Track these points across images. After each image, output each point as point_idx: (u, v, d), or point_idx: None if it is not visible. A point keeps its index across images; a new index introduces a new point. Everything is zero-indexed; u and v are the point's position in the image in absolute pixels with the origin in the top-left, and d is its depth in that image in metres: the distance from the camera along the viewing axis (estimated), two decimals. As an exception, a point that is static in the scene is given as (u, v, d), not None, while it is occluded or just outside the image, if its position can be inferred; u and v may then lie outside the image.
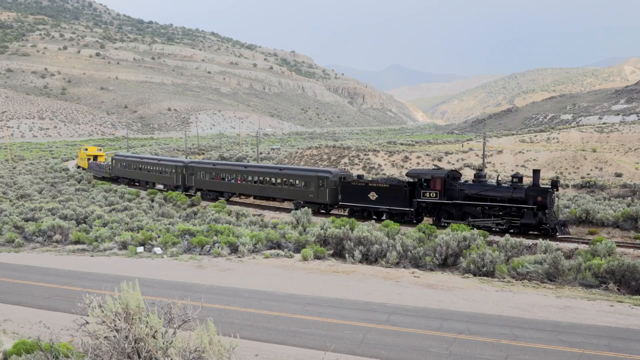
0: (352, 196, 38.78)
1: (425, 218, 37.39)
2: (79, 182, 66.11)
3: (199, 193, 50.67)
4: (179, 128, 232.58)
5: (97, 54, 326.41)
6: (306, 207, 38.86)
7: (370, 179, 46.42)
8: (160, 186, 57.19)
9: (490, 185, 34.45)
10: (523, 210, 32.12)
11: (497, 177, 40.99)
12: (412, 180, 37.49)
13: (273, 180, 44.96)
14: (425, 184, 35.62)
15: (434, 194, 35.29)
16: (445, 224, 34.15)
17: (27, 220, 39.38)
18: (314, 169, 45.35)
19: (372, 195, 37.60)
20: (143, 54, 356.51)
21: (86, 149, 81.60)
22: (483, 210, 33.80)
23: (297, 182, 42.93)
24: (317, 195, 41.20)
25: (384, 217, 37.58)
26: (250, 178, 46.76)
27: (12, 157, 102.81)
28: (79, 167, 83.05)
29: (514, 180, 33.73)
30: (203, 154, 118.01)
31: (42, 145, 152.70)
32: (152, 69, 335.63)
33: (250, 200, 49.25)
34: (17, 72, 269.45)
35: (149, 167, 58.93)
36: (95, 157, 77.53)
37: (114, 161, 65.41)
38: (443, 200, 35.04)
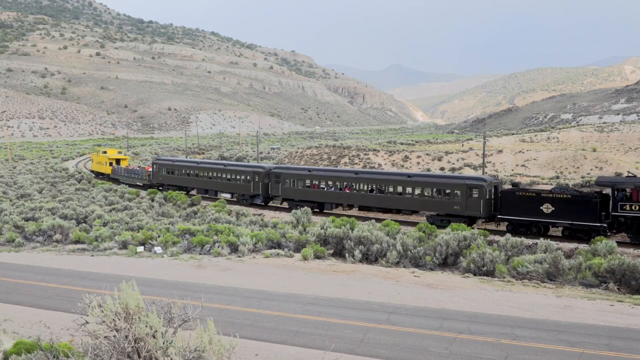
0: (516, 208, 32.98)
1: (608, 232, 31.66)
2: (79, 182, 66.10)
3: (284, 204, 44.93)
4: (179, 128, 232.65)
5: (97, 54, 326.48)
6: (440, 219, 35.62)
7: (539, 188, 39.16)
8: (226, 195, 49.68)
9: None
10: None
11: None
12: (600, 191, 32.44)
13: (399, 188, 38.12)
14: (626, 194, 30.01)
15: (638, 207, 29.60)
16: None
17: (27, 219, 39.39)
18: (461, 176, 39.07)
19: (546, 208, 32.07)
20: (143, 54, 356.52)
21: (105, 152, 71.19)
22: None
23: (435, 191, 36.29)
24: (466, 207, 34.84)
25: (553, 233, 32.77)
26: (364, 186, 39.83)
27: (12, 157, 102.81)
28: (94, 172, 72.76)
29: None
30: (203, 153, 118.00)
31: (42, 144, 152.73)
32: (152, 68, 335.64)
33: (354, 211, 42.29)
34: (17, 72, 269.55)
35: (211, 174, 50.65)
36: (118, 161, 67.66)
37: (155, 166, 57.15)
38: None
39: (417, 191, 37.18)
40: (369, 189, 39.82)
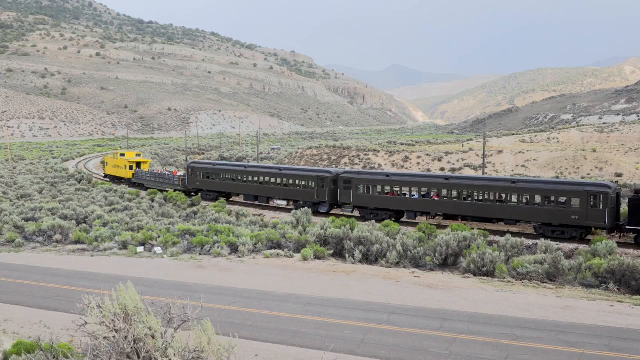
0: None
1: None
2: (79, 182, 66.11)
3: (350, 211, 40.98)
4: (179, 128, 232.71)
5: (98, 54, 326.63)
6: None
7: None
8: (281, 203, 45.24)
9: None
10: None
11: None
12: None
13: (501, 196, 34.46)
14: None
15: None
16: None
17: (27, 220, 39.39)
18: (578, 182, 34.74)
19: None
20: (143, 54, 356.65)
21: (123, 155, 65.70)
22: None
23: (546, 199, 32.90)
24: (587, 217, 31.27)
25: None
26: (457, 193, 36.11)
27: (12, 157, 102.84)
28: (110, 177, 67.99)
29: None
30: (203, 153, 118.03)
31: (42, 145, 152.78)
32: (152, 69, 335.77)
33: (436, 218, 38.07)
34: (17, 72, 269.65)
35: (262, 179, 46.14)
36: (139, 164, 62.75)
37: (191, 170, 52.18)
38: None
39: (524, 199, 33.42)
40: (463, 196, 35.56)
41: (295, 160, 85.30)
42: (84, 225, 37.39)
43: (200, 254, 28.46)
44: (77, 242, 33.12)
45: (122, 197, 52.30)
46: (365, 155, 79.78)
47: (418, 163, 74.83)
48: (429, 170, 69.55)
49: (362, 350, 14.14)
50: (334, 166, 75.84)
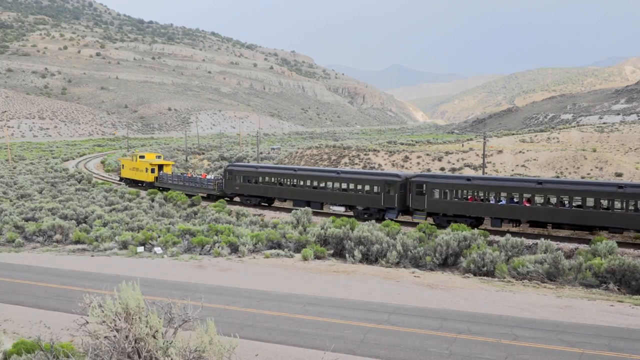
0: None
1: None
2: (79, 182, 66.11)
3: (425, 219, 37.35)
4: (179, 128, 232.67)
5: (98, 54, 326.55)
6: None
7: None
8: (339, 209, 41.45)
9: None
10: None
11: None
12: None
13: (606, 202, 31.67)
14: None
15: None
16: None
17: (27, 220, 39.41)
18: None
19: None
20: (143, 54, 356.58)
21: (142, 157, 62.01)
22: None
23: None
24: None
25: None
26: (552, 200, 33.28)
27: (12, 157, 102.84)
28: (126, 180, 64.08)
29: None
30: (203, 153, 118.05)
31: (42, 145, 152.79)
32: (152, 68, 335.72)
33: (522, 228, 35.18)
34: (17, 72, 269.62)
35: (316, 183, 43.19)
36: (161, 167, 59.56)
37: (228, 173, 48.98)
38: None
39: (631, 205, 30.71)
40: (559, 202, 32.84)
41: (295, 160, 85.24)
42: (84, 225, 37.40)
43: (200, 254, 28.47)
44: (77, 242, 33.13)
45: (122, 197, 52.32)
46: (365, 155, 79.78)
47: (418, 163, 74.86)
48: (429, 170, 69.54)
49: (362, 350, 14.15)
50: (334, 165, 75.84)
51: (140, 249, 29.79)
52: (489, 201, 34.88)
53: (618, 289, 21.08)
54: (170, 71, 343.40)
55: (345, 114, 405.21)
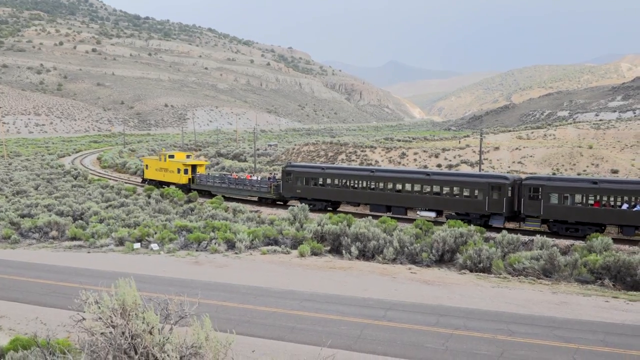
0: None
1: None
2: (75, 179, 65.93)
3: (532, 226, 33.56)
4: (176, 124, 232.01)
5: (94, 50, 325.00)
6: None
7: None
8: (428, 214, 36.92)
9: None
10: None
11: None
12: None
13: None
14: None
15: None
16: None
17: (23, 216, 39.29)
18: None
19: None
20: (140, 50, 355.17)
21: (172, 156, 56.20)
22: None
23: None
24: None
25: None
26: None
27: (7, 153, 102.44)
28: (150, 181, 57.59)
29: None
30: (200, 149, 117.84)
31: (38, 141, 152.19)
32: (148, 64, 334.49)
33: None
34: (12, 68, 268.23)
35: (401, 186, 38.56)
36: (194, 167, 54.06)
37: (287, 175, 44.20)
38: None
39: None
40: None
41: (292, 156, 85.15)
42: (80, 221, 37.33)
43: (197, 250, 28.46)
44: (74, 238, 33.06)
45: (119, 194, 52.22)
46: (362, 151, 79.79)
47: (415, 159, 74.96)
48: (425, 167, 69.49)
49: (359, 346, 14.19)
50: (331, 162, 75.75)
51: (137, 245, 29.76)
52: (621, 207, 31.13)
53: (613, 285, 21.18)
54: (166, 67, 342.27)
55: (342, 110, 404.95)
